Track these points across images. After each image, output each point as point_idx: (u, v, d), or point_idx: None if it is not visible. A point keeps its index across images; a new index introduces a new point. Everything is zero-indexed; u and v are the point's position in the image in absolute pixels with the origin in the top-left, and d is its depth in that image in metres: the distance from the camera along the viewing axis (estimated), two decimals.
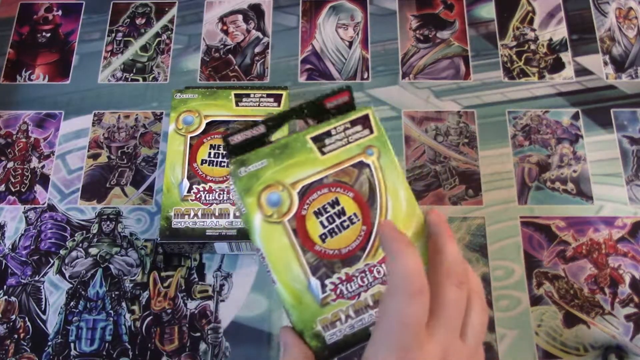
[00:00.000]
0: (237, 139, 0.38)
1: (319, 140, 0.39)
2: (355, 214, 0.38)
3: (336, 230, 0.38)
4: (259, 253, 0.37)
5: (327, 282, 0.37)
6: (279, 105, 0.60)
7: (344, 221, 0.38)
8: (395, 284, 0.33)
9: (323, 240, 0.37)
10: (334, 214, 0.38)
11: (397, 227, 0.36)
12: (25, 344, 0.56)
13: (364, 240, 0.37)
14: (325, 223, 0.38)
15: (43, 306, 0.58)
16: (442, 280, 0.34)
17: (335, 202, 0.38)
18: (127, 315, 0.57)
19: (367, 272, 0.37)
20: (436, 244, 0.36)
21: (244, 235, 0.55)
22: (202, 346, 0.56)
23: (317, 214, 0.38)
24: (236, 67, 0.69)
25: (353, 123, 0.39)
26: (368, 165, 0.38)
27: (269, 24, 0.71)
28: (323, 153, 0.38)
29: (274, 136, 0.39)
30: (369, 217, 0.38)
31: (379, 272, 0.37)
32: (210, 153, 0.58)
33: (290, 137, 0.38)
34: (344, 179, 0.38)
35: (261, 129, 0.38)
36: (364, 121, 0.39)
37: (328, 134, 0.39)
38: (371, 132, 0.39)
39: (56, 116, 0.66)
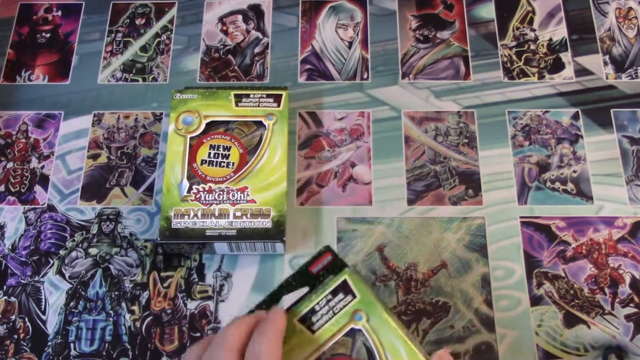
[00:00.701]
0: None
1: (306, 320, 0.39)
2: None
3: None
4: None
5: None
6: (278, 106, 0.60)
7: None
8: None
9: None
10: None
11: None
12: (25, 344, 0.56)
13: None
14: None
15: (43, 306, 0.58)
16: None
17: None
18: (127, 316, 0.57)
19: None
20: None
21: (243, 235, 0.55)
22: None
23: None
24: (236, 67, 0.69)
25: (334, 293, 0.40)
26: (360, 330, 0.39)
27: (269, 24, 0.71)
28: (313, 332, 0.39)
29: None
30: None
31: None
32: (210, 153, 0.58)
33: None
34: (340, 350, 0.39)
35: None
36: (344, 287, 0.40)
37: (313, 311, 0.39)
38: (354, 296, 0.39)
39: (56, 116, 0.66)
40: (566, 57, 0.69)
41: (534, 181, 0.62)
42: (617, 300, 0.57)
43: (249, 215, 0.56)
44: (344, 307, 0.39)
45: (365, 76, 0.68)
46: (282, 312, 0.39)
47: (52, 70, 0.69)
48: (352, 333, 0.39)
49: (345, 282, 0.40)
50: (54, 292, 0.58)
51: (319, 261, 0.41)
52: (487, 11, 0.71)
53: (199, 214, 0.56)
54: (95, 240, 0.60)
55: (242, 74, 0.68)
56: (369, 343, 0.38)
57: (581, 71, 0.68)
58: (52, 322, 0.57)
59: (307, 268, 0.41)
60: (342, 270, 0.40)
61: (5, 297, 0.58)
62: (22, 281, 0.59)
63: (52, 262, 0.59)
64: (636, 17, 0.71)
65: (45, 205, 0.62)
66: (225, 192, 0.56)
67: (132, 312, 0.57)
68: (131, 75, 0.69)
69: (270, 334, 0.37)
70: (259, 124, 0.60)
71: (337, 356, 0.39)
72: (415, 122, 0.65)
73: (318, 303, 0.40)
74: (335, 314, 0.39)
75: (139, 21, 0.72)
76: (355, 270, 0.41)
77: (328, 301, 0.40)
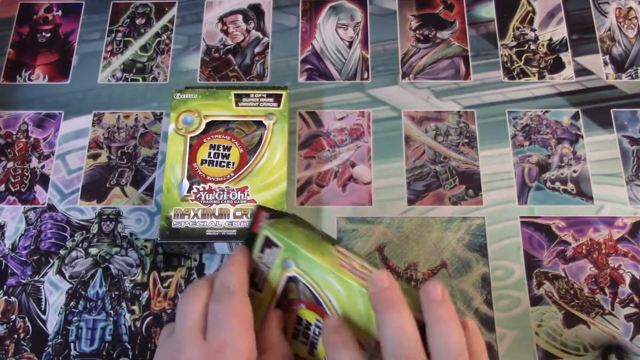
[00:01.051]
0: None
1: (251, 283, 0.42)
2: (317, 320, 0.41)
3: (314, 342, 0.41)
4: None
5: None
6: (278, 106, 0.60)
7: (314, 331, 0.41)
8: None
9: (313, 354, 0.41)
10: (305, 329, 0.41)
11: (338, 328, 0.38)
12: (25, 344, 0.56)
13: None
14: (305, 340, 0.41)
15: (43, 306, 0.58)
16: None
17: (299, 319, 0.41)
18: (127, 315, 0.57)
19: None
20: (378, 320, 0.36)
21: (244, 235, 0.55)
22: None
23: (295, 336, 0.42)
24: (236, 67, 0.69)
25: (262, 250, 0.42)
26: (295, 276, 0.41)
27: (269, 24, 0.71)
28: (260, 290, 0.42)
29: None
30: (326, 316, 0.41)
31: None
32: (210, 153, 0.58)
33: None
34: (290, 296, 0.41)
35: None
36: (268, 242, 0.42)
37: (254, 273, 0.42)
38: (278, 247, 0.41)
39: (56, 116, 0.66)
40: (566, 57, 0.69)
41: (534, 181, 0.62)
42: (617, 300, 0.57)
43: (249, 215, 0.56)
44: (275, 259, 0.41)
45: (365, 76, 0.68)
46: (243, 247, 0.43)
47: (52, 70, 0.69)
48: (292, 280, 0.41)
49: (267, 238, 0.42)
50: (54, 292, 0.58)
51: (258, 221, 0.43)
52: (487, 11, 0.71)
53: (199, 214, 0.56)
54: (95, 240, 0.60)
55: (242, 73, 0.68)
56: (307, 284, 0.40)
57: (581, 71, 0.68)
58: (52, 322, 0.57)
59: (251, 231, 0.43)
60: (262, 228, 0.42)
61: (5, 297, 0.58)
62: (22, 281, 0.59)
63: (52, 261, 0.59)
64: (636, 17, 0.71)
65: (46, 205, 0.62)
66: (225, 192, 0.56)
67: (132, 312, 0.57)
68: (131, 75, 0.68)
69: (234, 262, 0.41)
70: (259, 124, 0.60)
71: (291, 301, 0.41)
72: (416, 122, 0.65)
73: (255, 264, 0.42)
74: (270, 268, 0.41)
75: (139, 21, 0.72)
76: (275, 222, 0.43)
77: (261, 259, 0.42)
